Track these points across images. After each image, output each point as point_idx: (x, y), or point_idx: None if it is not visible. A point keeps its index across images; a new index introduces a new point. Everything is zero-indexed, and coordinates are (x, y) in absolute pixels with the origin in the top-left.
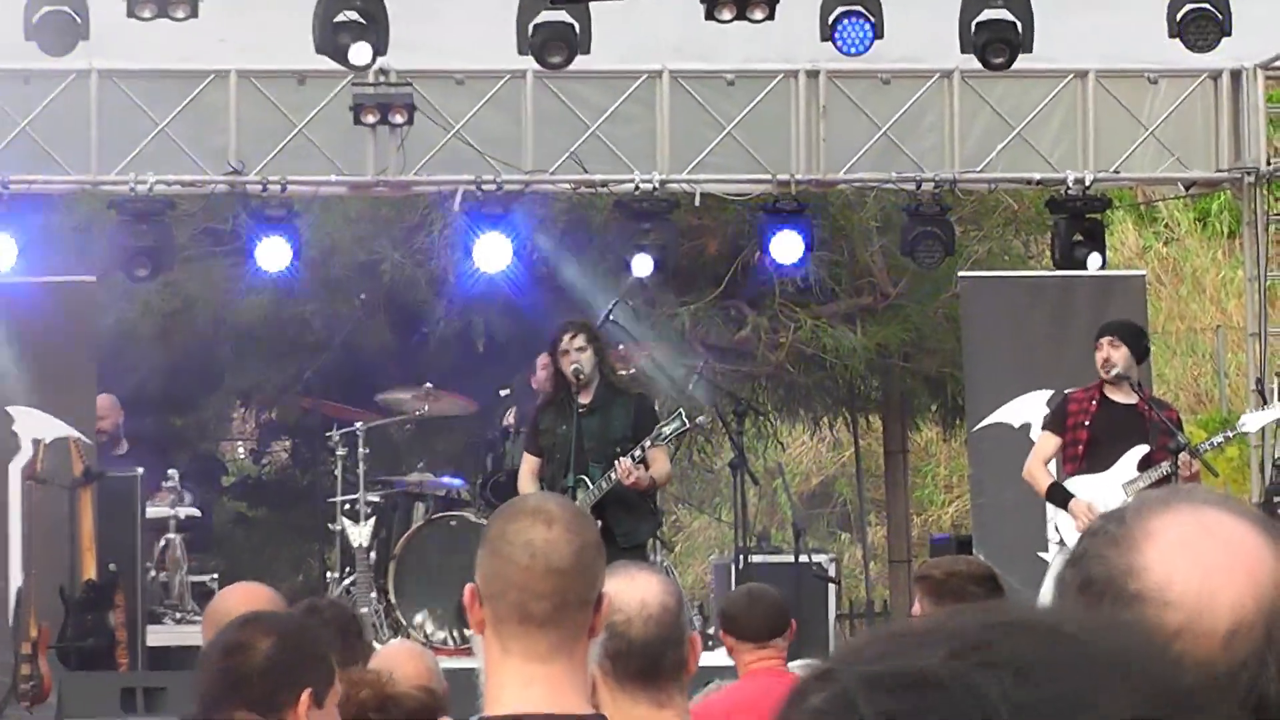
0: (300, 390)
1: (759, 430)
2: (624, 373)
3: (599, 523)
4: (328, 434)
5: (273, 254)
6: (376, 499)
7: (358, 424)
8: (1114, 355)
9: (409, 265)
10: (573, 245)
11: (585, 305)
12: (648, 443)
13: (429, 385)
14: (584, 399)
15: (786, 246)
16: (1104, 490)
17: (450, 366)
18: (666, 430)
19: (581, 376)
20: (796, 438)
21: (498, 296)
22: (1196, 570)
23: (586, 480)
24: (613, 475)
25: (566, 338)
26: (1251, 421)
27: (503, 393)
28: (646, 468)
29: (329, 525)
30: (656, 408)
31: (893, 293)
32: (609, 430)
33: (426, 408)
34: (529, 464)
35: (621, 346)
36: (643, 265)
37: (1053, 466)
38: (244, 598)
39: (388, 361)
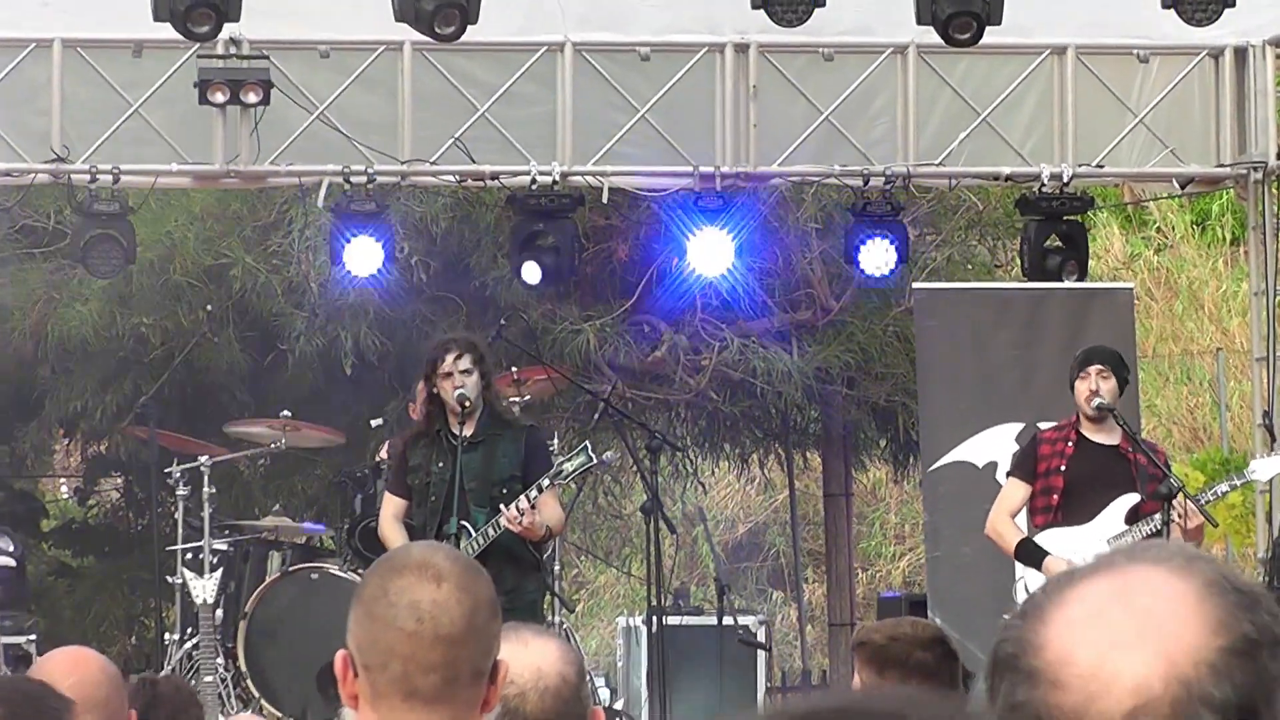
0: (135, 418)
1: (676, 469)
2: (512, 401)
3: None
4: (167, 470)
5: (103, 257)
6: (224, 547)
7: (202, 458)
8: (1103, 387)
9: (263, 271)
10: (458, 249)
11: (472, 319)
12: (545, 482)
13: (287, 413)
14: (465, 430)
15: (877, 257)
16: (1085, 547)
17: (312, 391)
18: (569, 466)
19: (467, 404)
20: (720, 478)
21: (369, 308)
22: (1097, 646)
23: (469, 527)
24: (500, 522)
25: (450, 358)
26: (1264, 468)
27: (375, 423)
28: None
29: (168, 578)
30: (554, 443)
31: (835, 307)
32: (494, 468)
33: (284, 440)
34: (392, 506)
35: (515, 370)
36: (531, 273)
37: (1021, 519)
38: (67, 665)
39: (238, 385)
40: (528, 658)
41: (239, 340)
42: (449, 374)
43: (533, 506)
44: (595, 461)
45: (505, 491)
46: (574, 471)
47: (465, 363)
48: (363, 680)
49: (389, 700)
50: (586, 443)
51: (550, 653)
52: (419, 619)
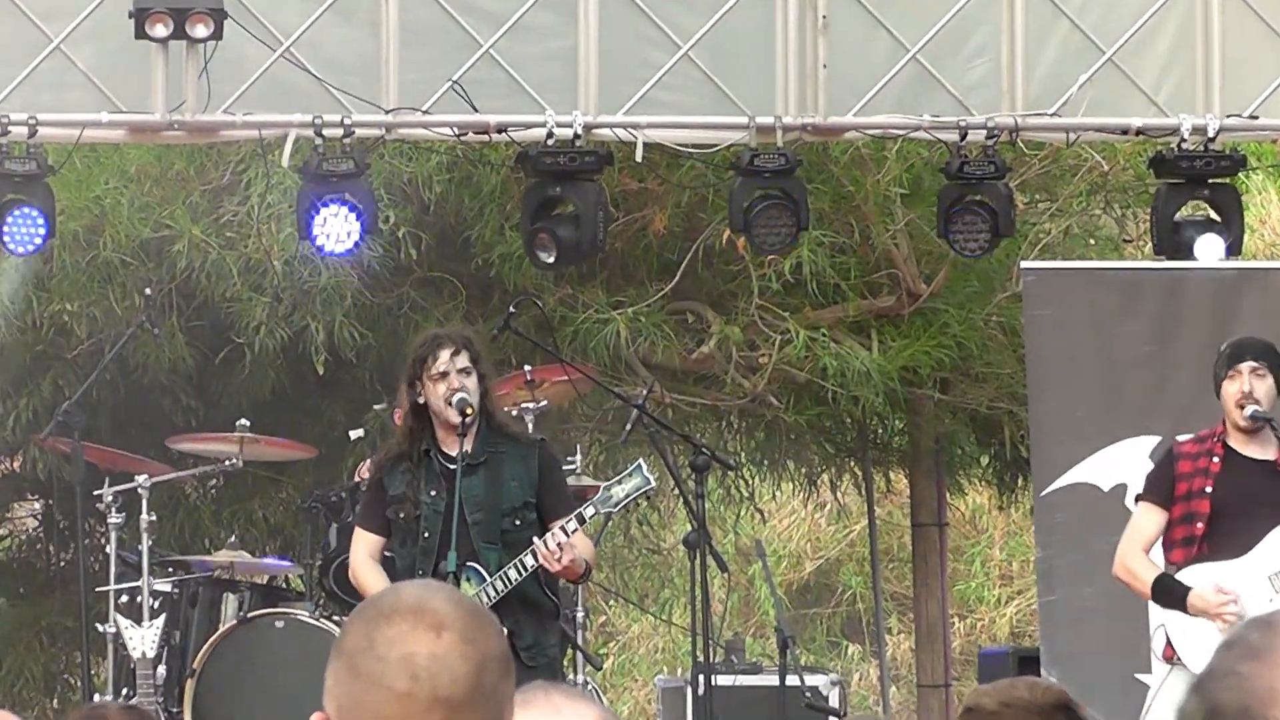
0: (55, 428)
1: (728, 492)
2: (525, 408)
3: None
4: (96, 493)
5: (18, 229)
6: (167, 588)
7: (140, 478)
8: (1258, 389)
9: (215, 246)
10: (455, 219)
11: (474, 307)
12: (590, 510)
13: (244, 423)
14: (462, 448)
15: (976, 231)
16: (1239, 584)
17: (275, 396)
18: (619, 491)
19: (470, 412)
20: (783, 503)
21: (345, 293)
22: None
23: (479, 570)
24: (527, 561)
25: (445, 354)
26: None
27: (353, 435)
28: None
29: (98, 626)
30: (576, 460)
31: (924, 292)
32: (502, 494)
33: (240, 456)
34: (366, 545)
35: (528, 369)
36: (546, 249)
37: (1156, 553)
38: None
39: (183, 387)
40: None
41: (184, 332)
42: (442, 375)
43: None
44: (652, 485)
45: (518, 523)
46: (627, 498)
47: (463, 360)
48: None
49: None
50: (640, 461)
51: (587, 718)
52: (414, 677)
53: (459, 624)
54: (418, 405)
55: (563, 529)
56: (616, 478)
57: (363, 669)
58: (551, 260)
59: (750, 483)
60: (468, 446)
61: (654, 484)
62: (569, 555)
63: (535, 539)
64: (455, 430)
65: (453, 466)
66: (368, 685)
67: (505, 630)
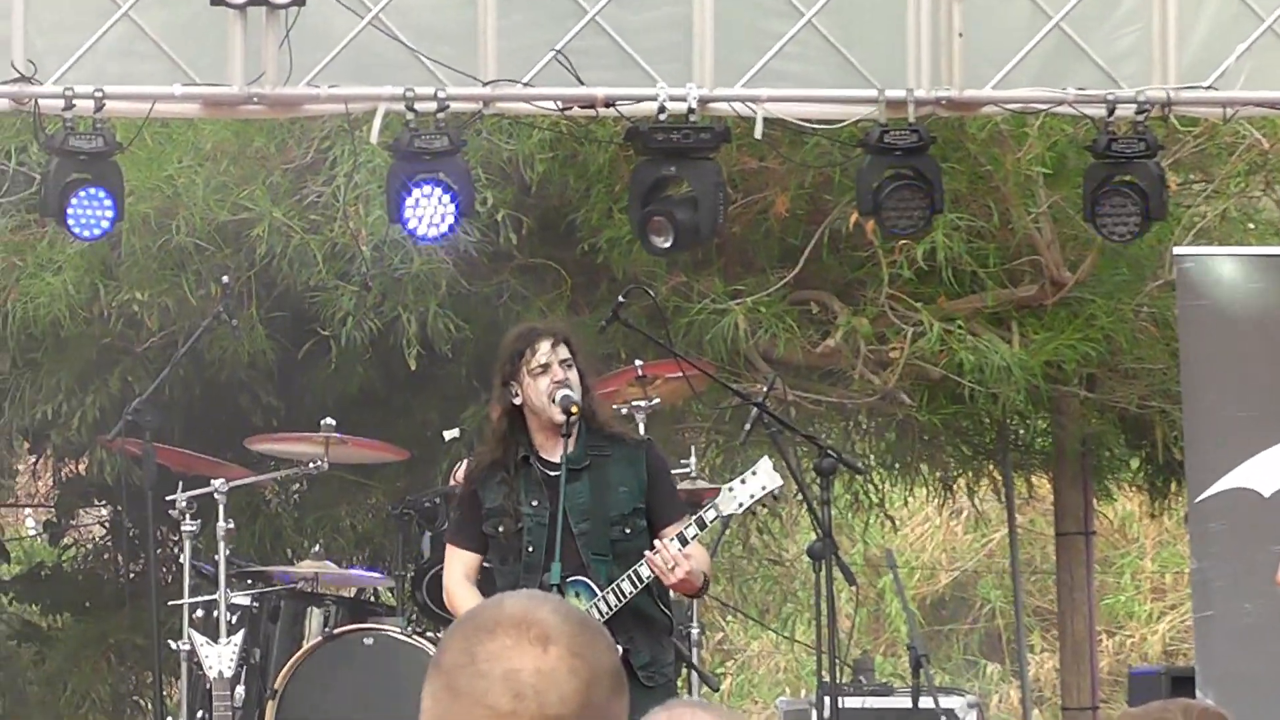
0: (125, 428)
1: (856, 498)
2: (635, 406)
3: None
4: (169, 498)
5: (84, 211)
6: (245, 601)
7: (217, 482)
8: None
9: (298, 230)
10: (559, 201)
11: (579, 296)
12: (710, 514)
13: (330, 422)
14: (559, 454)
15: (1126, 213)
16: None
17: (364, 393)
18: (743, 492)
19: (575, 410)
20: (915, 510)
21: (439, 280)
22: None
23: (588, 583)
24: (642, 573)
25: (545, 347)
26: None
27: (448, 435)
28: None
29: (170, 643)
30: (690, 463)
31: (1069, 280)
32: (609, 501)
33: (326, 459)
34: (461, 564)
35: (639, 364)
36: (660, 234)
37: None
38: None
39: (264, 384)
40: None
41: (264, 323)
42: (543, 368)
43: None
44: (779, 484)
45: (628, 532)
46: (752, 500)
47: (566, 353)
48: None
49: None
50: (765, 458)
51: None
52: (518, 695)
53: (567, 637)
54: (513, 406)
55: (680, 536)
56: (739, 476)
57: (463, 687)
58: (667, 246)
59: (880, 488)
60: (570, 449)
61: (781, 483)
62: (686, 566)
63: (648, 550)
64: (558, 431)
65: (554, 473)
66: (469, 705)
67: (620, 649)
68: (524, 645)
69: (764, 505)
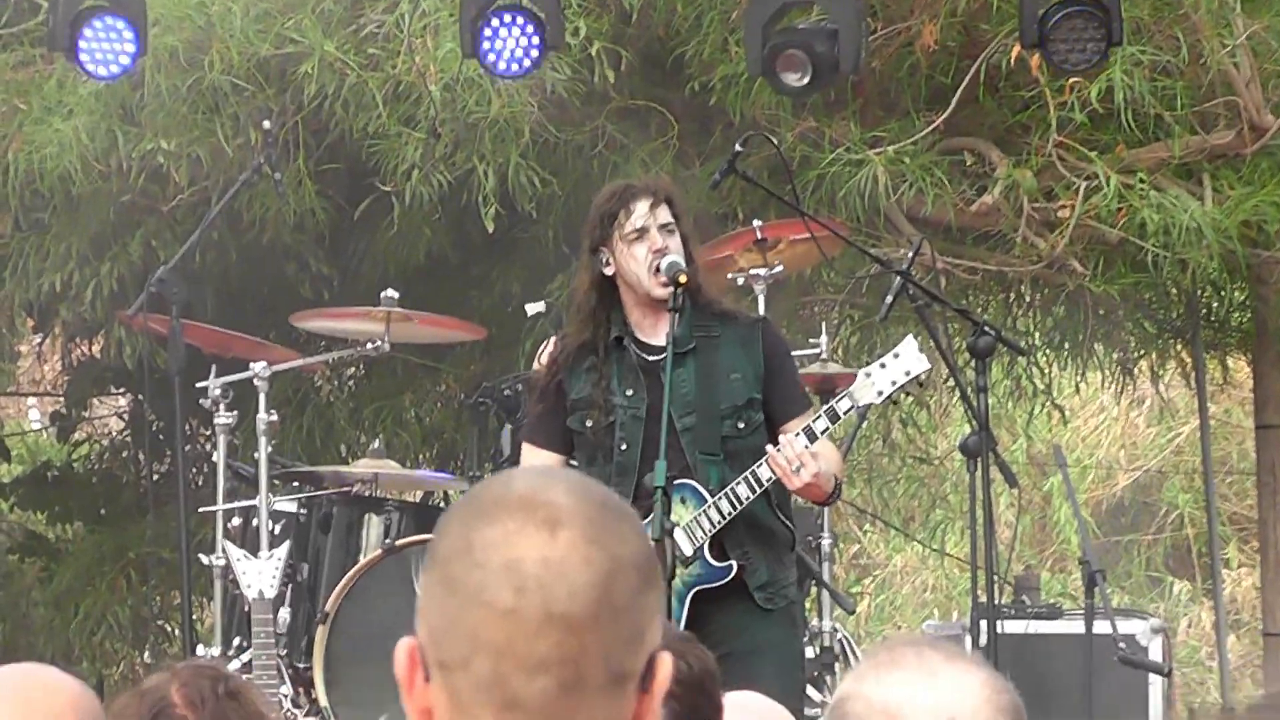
0: (148, 302)
1: (1017, 384)
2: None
3: (730, 564)
4: (200, 385)
5: (99, 45)
6: (291, 508)
7: (257, 365)
8: None
9: (354, 66)
10: (665, 30)
11: (688, 144)
12: (844, 405)
13: (391, 294)
14: (660, 334)
15: None
16: None
17: (432, 260)
18: (883, 378)
19: (683, 281)
20: (1089, 398)
21: (522, 126)
22: None
23: (696, 487)
24: (761, 474)
25: (643, 207)
26: None
27: (531, 310)
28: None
29: (202, 558)
30: (821, 342)
31: (1271, 125)
32: (719, 391)
33: (387, 338)
34: (543, 463)
35: (758, 224)
36: (791, 68)
37: None
38: (18, 697)
39: (313, 249)
40: (936, 698)
41: (314, 178)
42: (640, 233)
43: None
44: (927, 368)
45: (741, 427)
46: (895, 388)
47: (667, 215)
48: (437, 685)
49: (477, 713)
50: (910, 337)
51: (973, 690)
52: (519, 588)
53: (582, 520)
54: (604, 278)
55: (807, 430)
56: (879, 360)
57: (458, 579)
58: (803, 83)
59: (1046, 372)
60: (668, 331)
61: (929, 367)
62: (813, 467)
63: (769, 446)
64: (659, 307)
65: (653, 358)
66: (464, 601)
67: (734, 564)
68: (529, 530)
69: (908, 393)
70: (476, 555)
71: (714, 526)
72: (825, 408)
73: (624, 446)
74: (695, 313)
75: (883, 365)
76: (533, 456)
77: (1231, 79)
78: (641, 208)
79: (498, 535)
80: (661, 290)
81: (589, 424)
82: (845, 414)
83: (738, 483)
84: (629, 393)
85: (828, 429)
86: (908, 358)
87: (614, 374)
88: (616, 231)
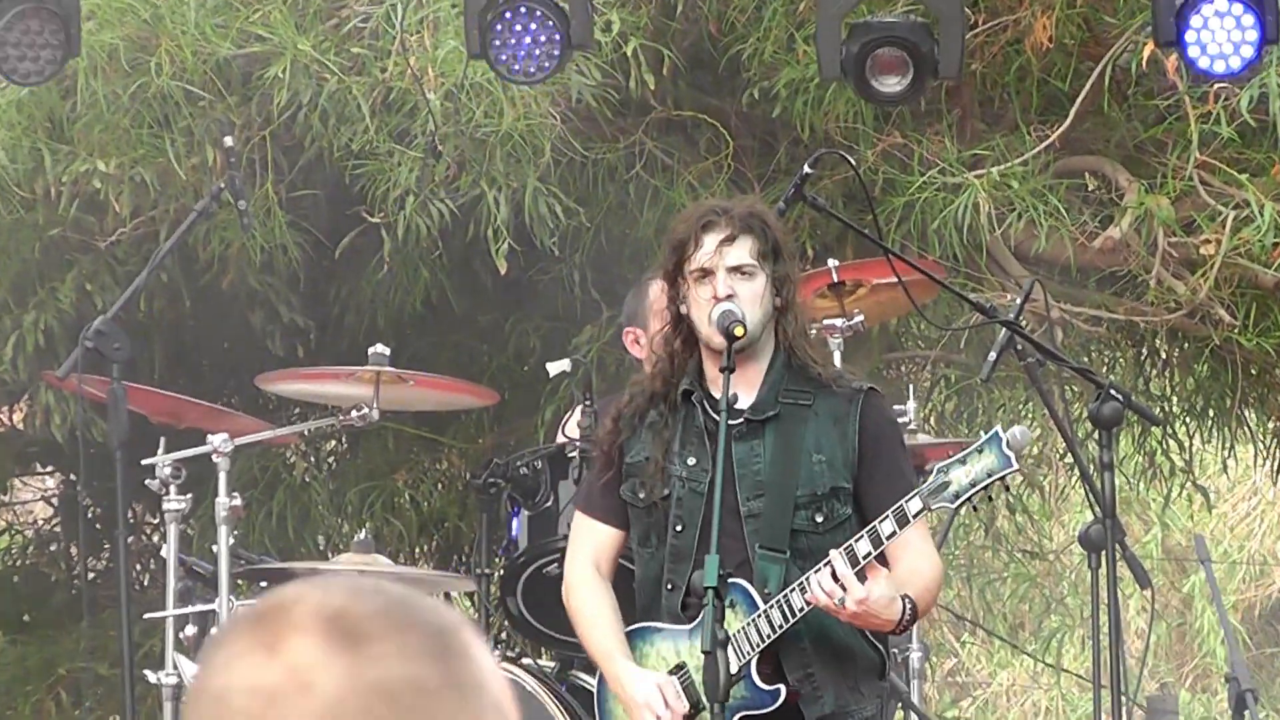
0: (82, 360)
1: (1151, 460)
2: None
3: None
4: (146, 462)
5: (25, 45)
6: None
7: (216, 438)
8: None
9: (334, 69)
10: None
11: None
12: (915, 506)
13: (381, 350)
14: (737, 397)
15: None
16: None
17: (431, 308)
18: (961, 477)
19: (740, 335)
20: (1239, 479)
21: (542, 144)
22: None
23: (748, 589)
24: (794, 602)
25: (711, 242)
26: None
27: (555, 369)
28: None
29: (148, 675)
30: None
31: None
32: (799, 472)
33: (376, 405)
34: (593, 542)
35: (833, 264)
36: (884, 72)
37: None
38: None
39: (286, 294)
40: None
41: (286, 206)
42: (705, 274)
43: (856, 566)
44: (1014, 468)
45: (819, 521)
46: (973, 489)
47: (741, 252)
48: None
49: None
50: (998, 430)
51: None
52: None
53: (317, 635)
54: (680, 319)
55: (848, 552)
56: (958, 456)
57: (185, 714)
58: (900, 89)
59: (1186, 446)
60: (747, 394)
61: (1017, 466)
62: (859, 593)
63: (811, 575)
64: (724, 364)
65: (731, 421)
66: None
67: (782, 689)
68: (251, 652)
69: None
70: (199, 683)
71: (763, 641)
72: (891, 511)
73: (679, 528)
74: (789, 374)
75: (962, 460)
76: (584, 530)
77: None
78: (710, 243)
79: (222, 660)
80: (719, 341)
81: (642, 495)
82: (915, 517)
83: (783, 600)
84: (691, 461)
85: (869, 554)
86: (993, 452)
87: (682, 438)
88: (688, 265)
